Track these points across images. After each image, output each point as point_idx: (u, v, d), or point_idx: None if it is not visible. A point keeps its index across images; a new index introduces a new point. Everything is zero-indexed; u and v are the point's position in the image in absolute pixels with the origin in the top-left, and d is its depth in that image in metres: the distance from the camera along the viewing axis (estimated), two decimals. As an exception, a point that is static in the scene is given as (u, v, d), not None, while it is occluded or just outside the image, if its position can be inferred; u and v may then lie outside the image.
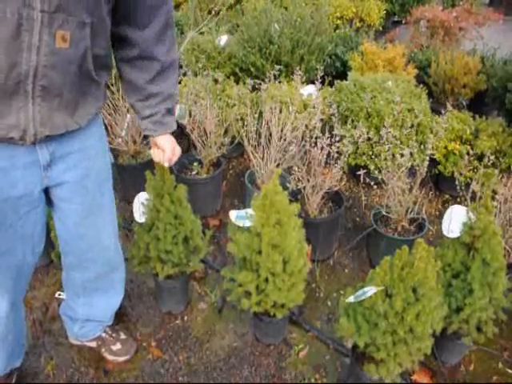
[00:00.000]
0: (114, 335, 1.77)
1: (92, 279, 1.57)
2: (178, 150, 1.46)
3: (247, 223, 1.59)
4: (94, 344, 1.77)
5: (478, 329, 1.59)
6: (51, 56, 1.05)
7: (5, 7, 0.96)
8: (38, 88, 1.07)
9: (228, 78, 3.03)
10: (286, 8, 3.86)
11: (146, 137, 2.55)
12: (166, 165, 1.45)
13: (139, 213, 1.74)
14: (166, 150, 1.41)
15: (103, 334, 1.76)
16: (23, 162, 1.19)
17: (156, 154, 1.45)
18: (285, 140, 2.22)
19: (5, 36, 0.99)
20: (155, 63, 1.28)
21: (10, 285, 1.35)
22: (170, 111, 1.38)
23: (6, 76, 1.03)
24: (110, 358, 1.75)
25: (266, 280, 1.56)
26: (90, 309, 1.65)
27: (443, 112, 2.31)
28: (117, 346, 1.75)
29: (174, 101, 1.38)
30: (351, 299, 1.37)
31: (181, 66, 2.97)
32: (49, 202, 1.36)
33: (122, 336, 1.79)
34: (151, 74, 1.30)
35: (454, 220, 1.59)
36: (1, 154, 1.16)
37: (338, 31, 3.85)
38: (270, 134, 2.23)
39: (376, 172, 2.17)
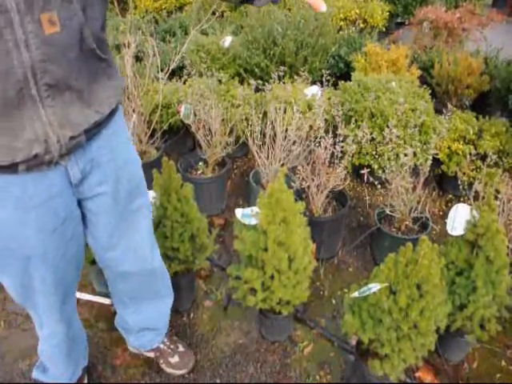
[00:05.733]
0: (172, 347, 1.72)
1: (136, 288, 1.50)
2: None
3: (253, 221, 1.61)
4: (151, 354, 1.73)
5: (482, 326, 1.61)
6: (44, 47, 0.89)
7: None
8: (42, 88, 0.92)
9: (232, 78, 3.05)
10: (289, 9, 3.89)
11: (151, 136, 2.58)
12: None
13: (146, 211, 1.76)
14: None
15: (161, 345, 1.71)
16: (59, 188, 1.11)
17: None
18: (289, 140, 2.25)
19: None
20: None
21: (58, 306, 1.31)
22: None
23: (4, 85, 0.89)
24: (168, 370, 1.70)
25: (272, 277, 1.58)
26: (140, 318, 1.59)
27: (445, 112, 2.32)
28: (175, 359, 1.70)
29: None
30: (355, 294, 1.39)
31: (185, 66, 3.00)
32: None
33: (181, 348, 1.73)
34: None
35: (458, 218, 1.61)
36: (36, 186, 1.06)
37: (341, 32, 3.86)
38: (275, 134, 2.25)
39: (380, 171, 2.19)
